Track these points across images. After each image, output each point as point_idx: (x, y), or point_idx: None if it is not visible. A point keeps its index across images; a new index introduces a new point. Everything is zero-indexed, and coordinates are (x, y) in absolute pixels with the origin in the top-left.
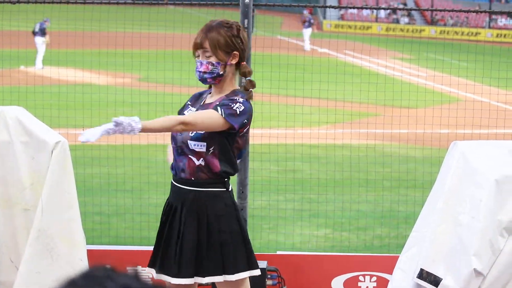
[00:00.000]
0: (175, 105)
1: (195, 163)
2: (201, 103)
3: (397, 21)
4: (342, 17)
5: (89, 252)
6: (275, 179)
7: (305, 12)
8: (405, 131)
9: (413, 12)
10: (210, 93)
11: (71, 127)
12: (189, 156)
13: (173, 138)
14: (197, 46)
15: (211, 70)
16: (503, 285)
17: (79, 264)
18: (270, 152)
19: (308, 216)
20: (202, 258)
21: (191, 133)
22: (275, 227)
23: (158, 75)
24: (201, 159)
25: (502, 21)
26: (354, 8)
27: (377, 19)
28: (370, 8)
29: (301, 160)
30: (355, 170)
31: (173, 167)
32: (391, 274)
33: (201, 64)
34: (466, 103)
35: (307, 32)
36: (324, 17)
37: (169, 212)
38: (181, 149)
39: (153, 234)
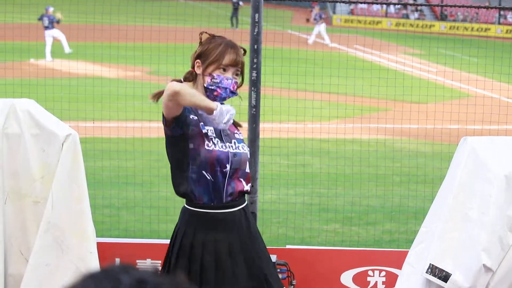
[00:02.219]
0: None
1: (243, 187)
2: (225, 131)
3: (407, 16)
4: (352, 12)
5: (99, 244)
6: (285, 173)
7: (317, 7)
8: (415, 126)
9: (423, 7)
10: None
11: (82, 120)
12: (240, 179)
13: (223, 162)
14: (237, 64)
15: (235, 91)
16: None
17: (89, 256)
18: (280, 146)
19: (317, 210)
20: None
21: (249, 155)
22: (284, 221)
23: (168, 69)
24: (249, 184)
25: None
26: (364, 3)
27: (387, 14)
28: (380, 3)
29: (311, 155)
30: (364, 164)
31: (209, 198)
32: (400, 269)
33: (231, 82)
34: (476, 98)
35: (319, 28)
36: (334, 12)
37: (217, 247)
38: (234, 172)
39: (163, 227)
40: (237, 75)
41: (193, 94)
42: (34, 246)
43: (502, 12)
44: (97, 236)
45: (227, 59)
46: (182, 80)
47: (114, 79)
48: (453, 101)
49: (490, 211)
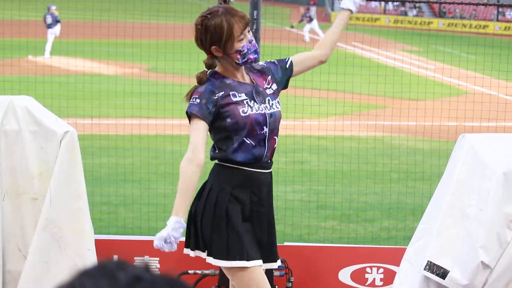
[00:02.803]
0: (183, 96)
1: (276, 143)
2: (257, 90)
3: (405, 13)
4: None
5: (97, 242)
6: (283, 170)
7: (300, 8)
8: (413, 123)
9: (421, 4)
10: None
11: (80, 117)
12: (275, 137)
13: (261, 124)
14: (246, 25)
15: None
16: (510, 277)
17: (87, 254)
18: (278, 143)
19: (315, 207)
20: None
21: (280, 109)
22: (282, 218)
23: (166, 66)
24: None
25: (510, 14)
26: None
27: (385, 11)
28: (379, 0)
29: (309, 152)
30: (362, 162)
31: (252, 157)
32: (398, 266)
33: (253, 41)
34: (474, 95)
35: (310, 25)
36: (332, 9)
37: (247, 203)
38: (271, 132)
39: (161, 224)
40: (249, 30)
41: (178, 189)
42: (32, 243)
43: (500, 9)
44: (95, 233)
45: (237, 29)
46: (206, 70)
47: (112, 76)
48: (451, 98)
49: (488, 208)
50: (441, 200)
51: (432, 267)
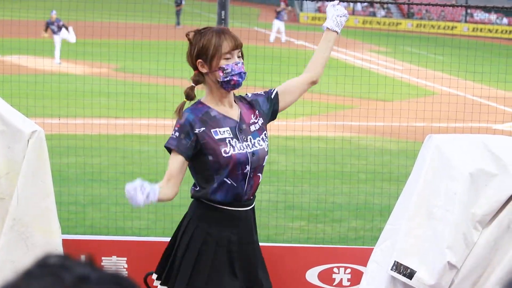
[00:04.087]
0: (151, 95)
1: (259, 179)
2: (240, 127)
3: (373, 14)
4: (319, 10)
5: (65, 241)
6: None
7: (282, 4)
8: (381, 123)
9: (389, 5)
10: (208, 107)
11: (48, 117)
12: (258, 174)
13: (243, 164)
14: (237, 46)
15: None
16: (477, 277)
17: (54, 253)
18: None
19: (283, 207)
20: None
21: (267, 147)
22: None
23: (134, 66)
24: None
25: (478, 15)
26: (331, 0)
27: (353, 12)
28: (347, 1)
29: (277, 152)
30: (330, 162)
31: (231, 197)
32: (366, 266)
33: (240, 64)
34: (442, 96)
35: (278, 24)
36: (301, 10)
37: (224, 242)
38: (253, 170)
39: (128, 224)
40: (240, 56)
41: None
42: None
43: (468, 10)
44: (62, 233)
45: (226, 46)
46: (193, 85)
47: (80, 76)
48: (419, 99)
49: (455, 208)
50: (408, 201)
51: (399, 267)
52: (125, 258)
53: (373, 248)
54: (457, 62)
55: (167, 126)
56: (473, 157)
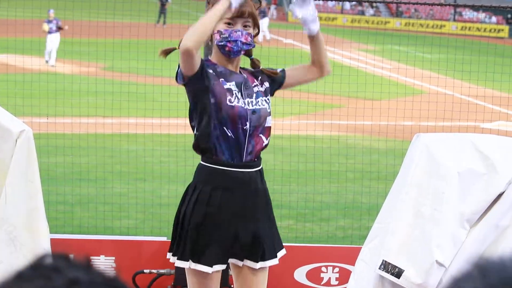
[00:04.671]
0: (139, 95)
1: (263, 143)
2: (246, 83)
3: (362, 13)
4: None
5: (52, 241)
6: None
7: (264, 1)
8: (369, 122)
9: (378, 4)
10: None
11: (35, 116)
12: (260, 135)
13: (243, 119)
14: (242, 14)
15: (249, 42)
16: None
17: (42, 253)
18: None
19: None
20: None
21: (269, 108)
22: None
23: (122, 65)
24: (269, 137)
25: (467, 14)
26: None
27: (342, 11)
28: (336, 0)
29: (264, 151)
30: (318, 161)
31: (230, 155)
32: (354, 265)
33: (241, 33)
34: (430, 95)
35: (263, 22)
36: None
37: (226, 200)
38: (254, 129)
39: (117, 224)
40: (248, 26)
41: (200, 22)
42: None
43: (457, 9)
44: (50, 232)
45: (231, 11)
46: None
47: (68, 75)
48: (407, 97)
49: (443, 207)
50: (396, 200)
51: (387, 266)
52: (113, 258)
53: (361, 247)
54: (446, 61)
55: (155, 125)
56: (461, 156)
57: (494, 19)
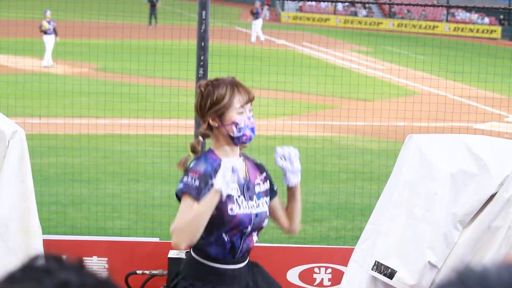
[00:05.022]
0: (132, 96)
1: (254, 242)
2: (248, 185)
3: (355, 14)
4: (300, 9)
5: (45, 241)
6: None
7: (258, 2)
8: (362, 123)
9: (371, 5)
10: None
11: (28, 116)
12: (253, 233)
13: (245, 224)
14: (250, 100)
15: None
16: None
17: (35, 254)
18: None
19: None
20: None
21: (268, 212)
22: None
23: (115, 65)
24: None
25: (460, 14)
26: (312, 0)
27: (335, 12)
28: (329, 1)
29: (257, 152)
30: (311, 162)
31: (225, 253)
32: (346, 266)
33: (252, 120)
34: (423, 96)
35: (257, 23)
36: (283, 9)
37: None
38: (252, 231)
39: (109, 224)
40: (250, 109)
41: (194, 220)
42: None
43: (450, 10)
44: (43, 233)
45: (239, 100)
46: (201, 139)
47: (61, 76)
48: (400, 98)
49: (435, 208)
50: (389, 201)
51: (379, 267)
52: (106, 258)
53: (354, 248)
54: (438, 61)
55: (147, 126)
56: (453, 157)
57: (486, 20)
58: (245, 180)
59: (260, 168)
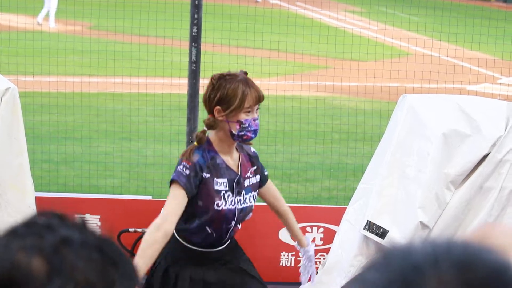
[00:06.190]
0: (126, 53)
1: (238, 230)
2: (238, 180)
3: None
4: None
5: (38, 199)
6: None
7: None
8: (355, 84)
9: None
10: (216, 154)
11: (21, 74)
12: (238, 225)
13: (229, 219)
14: (259, 101)
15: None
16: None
17: (28, 211)
18: None
19: None
20: None
21: (253, 206)
22: None
23: (109, 23)
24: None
25: None
26: None
27: None
28: None
29: None
30: (304, 122)
31: (208, 243)
32: (339, 225)
33: (257, 122)
34: (416, 57)
35: None
36: None
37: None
38: (236, 224)
39: (102, 182)
40: (257, 109)
41: (139, 249)
42: None
43: None
44: (36, 191)
45: (250, 100)
46: (206, 129)
47: (54, 34)
48: (393, 59)
49: (428, 169)
50: (381, 161)
51: (371, 227)
52: (99, 216)
53: (346, 208)
54: (432, 22)
55: (141, 85)
56: (446, 117)
57: None
58: (236, 175)
59: (252, 160)
